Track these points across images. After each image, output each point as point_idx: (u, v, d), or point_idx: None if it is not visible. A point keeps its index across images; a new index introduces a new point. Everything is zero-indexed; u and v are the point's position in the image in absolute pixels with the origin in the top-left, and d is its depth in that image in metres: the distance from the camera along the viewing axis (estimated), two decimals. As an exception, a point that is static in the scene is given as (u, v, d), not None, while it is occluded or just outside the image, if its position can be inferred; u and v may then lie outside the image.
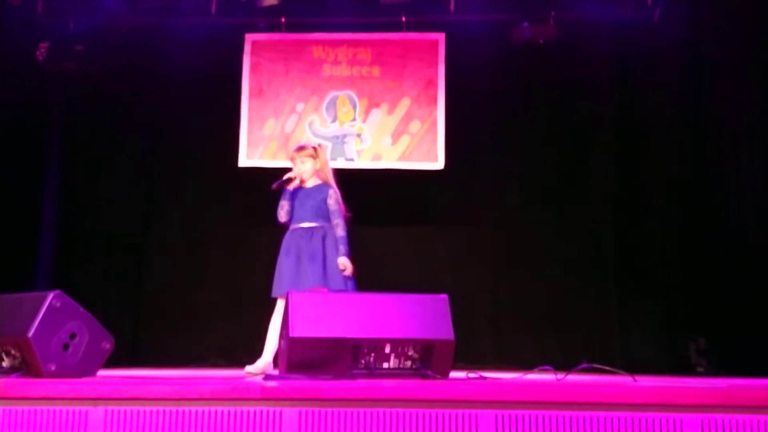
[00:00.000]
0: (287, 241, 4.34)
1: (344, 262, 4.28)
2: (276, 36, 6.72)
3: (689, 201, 6.30)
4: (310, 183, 4.44)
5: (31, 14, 6.24)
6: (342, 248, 4.29)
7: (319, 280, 4.20)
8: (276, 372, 3.90)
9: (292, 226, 4.36)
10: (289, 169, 4.44)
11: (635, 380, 3.40)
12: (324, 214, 4.35)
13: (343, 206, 4.39)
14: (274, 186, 4.34)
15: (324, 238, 4.30)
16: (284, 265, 4.28)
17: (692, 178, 6.27)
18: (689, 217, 6.27)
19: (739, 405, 2.41)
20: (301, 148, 4.50)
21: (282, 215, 4.34)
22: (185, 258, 6.70)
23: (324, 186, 4.43)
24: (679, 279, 6.23)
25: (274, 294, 4.31)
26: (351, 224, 4.44)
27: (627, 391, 2.53)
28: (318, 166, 4.45)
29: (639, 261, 6.35)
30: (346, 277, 4.27)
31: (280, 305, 4.25)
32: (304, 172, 4.40)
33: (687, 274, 6.20)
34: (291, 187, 4.37)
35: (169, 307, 6.59)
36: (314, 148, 4.50)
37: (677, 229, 6.29)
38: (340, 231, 4.32)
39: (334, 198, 4.37)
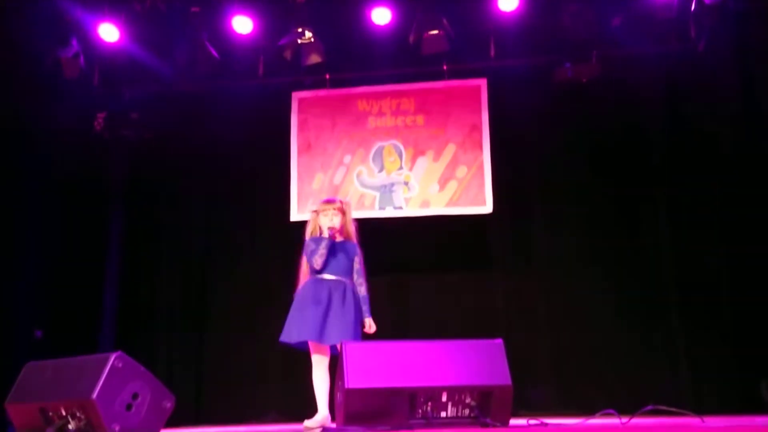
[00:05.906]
0: (316, 289, 4.30)
1: (371, 323, 4.38)
2: (321, 92, 6.90)
3: (752, 233, 6.01)
4: (338, 237, 4.45)
5: (87, 87, 6.55)
6: (367, 308, 4.38)
7: (346, 335, 4.17)
8: (333, 425, 3.89)
9: (322, 276, 4.34)
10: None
11: (703, 421, 3.28)
12: (349, 271, 4.40)
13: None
14: (332, 236, 4.34)
15: (351, 294, 4.33)
16: (312, 312, 4.22)
17: (752, 206, 6.03)
18: (753, 251, 5.96)
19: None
20: (330, 201, 4.51)
21: (320, 263, 4.31)
22: (244, 315, 6.74)
23: (352, 244, 4.47)
24: (747, 315, 5.94)
25: (289, 339, 4.25)
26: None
27: (694, 432, 2.45)
28: (346, 221, 4.48)
29: (704, 297, 6.09)
30: (362, 335, 4.33)
31: (316, 358, 4.29)
32: (339, 227, 4.42)
33: (755, 310, 5.90)
34: (335, 238, 4.39)
35: (229, 364, 6.64)
36: (342, 203, 4.52)
37: (742, 263, 6.00)
38: (365, 291, 4.42)
39: (361, 258, 4.45)
